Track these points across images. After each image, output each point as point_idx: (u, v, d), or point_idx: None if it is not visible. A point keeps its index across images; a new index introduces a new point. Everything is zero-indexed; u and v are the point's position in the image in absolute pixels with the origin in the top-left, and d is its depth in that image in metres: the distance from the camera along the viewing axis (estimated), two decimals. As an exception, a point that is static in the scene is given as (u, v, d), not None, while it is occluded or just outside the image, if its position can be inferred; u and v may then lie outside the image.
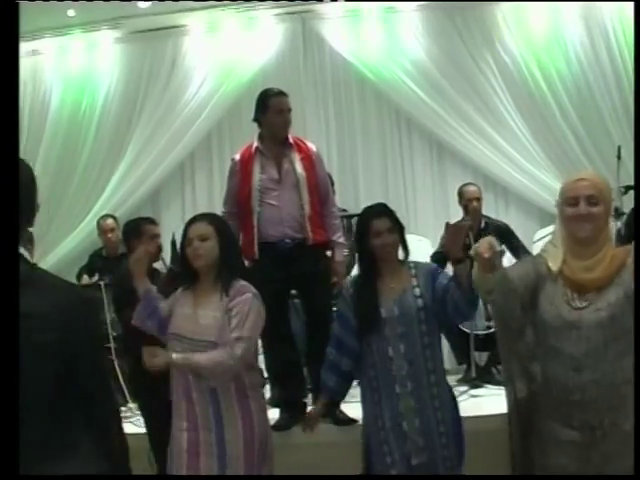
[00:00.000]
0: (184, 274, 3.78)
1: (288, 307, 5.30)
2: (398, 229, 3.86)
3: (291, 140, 5.12)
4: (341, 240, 5.21)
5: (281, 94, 5.17)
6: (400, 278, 3.82)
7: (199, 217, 3.82)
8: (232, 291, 3.61)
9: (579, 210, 3.08)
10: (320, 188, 5.12)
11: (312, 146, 5.23)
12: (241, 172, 5.07)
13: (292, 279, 5.03)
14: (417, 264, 3.91)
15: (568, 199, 3.13)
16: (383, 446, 3.74)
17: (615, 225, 5.71)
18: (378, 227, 3.77)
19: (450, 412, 3.79)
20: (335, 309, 4.15)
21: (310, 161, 5.11)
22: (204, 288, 3.71)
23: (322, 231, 5.10)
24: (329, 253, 5.29)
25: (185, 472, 3.60)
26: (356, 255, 5.45)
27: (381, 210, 3.90)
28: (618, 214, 5.86)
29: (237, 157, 5.17)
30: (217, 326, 3.57)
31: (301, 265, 4.96)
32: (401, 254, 3.90)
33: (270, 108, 5.10)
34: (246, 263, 5.00)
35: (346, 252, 5.38)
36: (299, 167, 5.02)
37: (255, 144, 5.13)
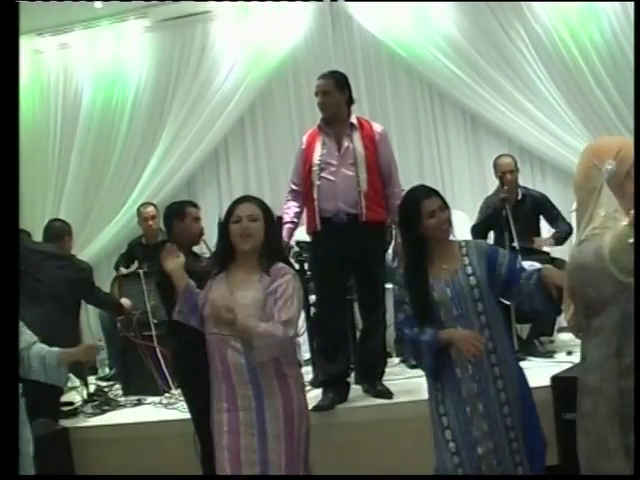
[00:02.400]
0: (224, 254, 3.78)
1: (345, 282, 5.33)
2: (447, 207, 3.74)
3: (354, 120, 5.23)
4: None
5: (320, 78, 5.32)
6: (451, 258, 3.68)
7: (248, 198, 3.83)
8: (273, 271, 3.63)
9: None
10: (382, 167, 5.21)
11: (378, 127, 5.33)
12: (306, 149, 5.27)
13: (347, 254, 5.08)
14: (468, 242, 3.78)
15: (631, 166, 2.64)
16: (448, 442, 3.59)
17: None
18: (431, 206, 3.64)
19: (516, 392, 3.60)
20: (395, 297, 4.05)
21: (372, 141, 5.19)
22: (242, 270, 3.71)
23: (380, 209, 5.18)
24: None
25: (226, 452, 3.62)
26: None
27: (429, 189, 3.77)
28: None
29: (305, 137, 5.38)
30: (258, 306, 3.58)
31: (355, 241, 5.03)
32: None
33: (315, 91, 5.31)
34: (307, 237, 5.37)
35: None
36: (359, 146, 5.13)
37: (319, 124, 5.31)
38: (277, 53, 8.05)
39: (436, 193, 3.74)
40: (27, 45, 8.19)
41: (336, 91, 5.20)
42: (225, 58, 8.16)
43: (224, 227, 3.76)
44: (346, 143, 5.15)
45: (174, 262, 3.87)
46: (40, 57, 8.47)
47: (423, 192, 3.73)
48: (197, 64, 8.22)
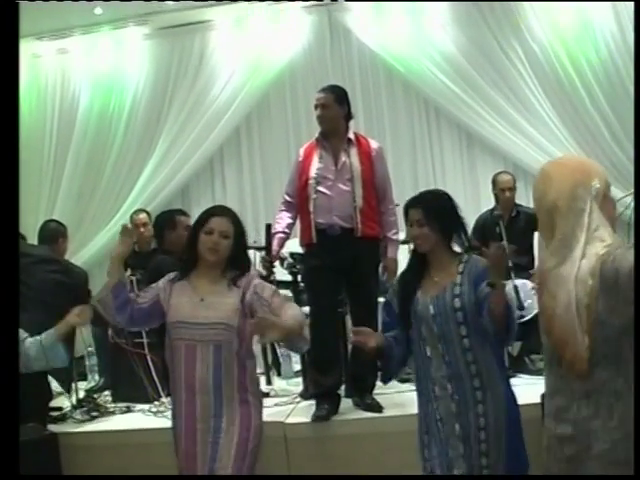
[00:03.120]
0: (190, 261, 3.77)
1: (337, 295, 5.33)
2: (434, 222, 3.56)
3: (351, 136, 5.25)
4: (395, 237, 5.32)
5: (320, 91, 5.34)
6: (445, 273, 3.58)
7: (223, 211, 3.83)
8: (240, 282, 3.68)
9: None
10: (377, 184, 5.23)
11: (374, 144, 5.35)
12: (303, 162, 5.29)
13: (340, 267, 5.09)
14: (469, 260, 3.58)
15: (608, 187, 2.56)
16: (424, 451, 3.61)
17: None
18: (412, 217, 3.59)
19: (499, 419, 3.47)
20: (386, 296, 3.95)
21: (368, 157, 5.21)
22: (207, 279, 3.73)
23: (374, 225, 5.20)
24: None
25: (183, 457, 3.67)
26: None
27: (415, 200, 3.69)
28: None
29: (302, 149, 5.39)
30: (234, 310, 3.62)
31: (348, 254, 5.04)
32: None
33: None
34: (301, 249, 5.39)
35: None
36: (356, 161, 5.15)
37: (317, 137, 5.33)
38: (275, 64, 8.09)
39: (421, 206, 3.62)
40: (26, 49, 8.17)
41: (336, 105, 5.22)
42: (223, 68, 8.19)
43: (194, 234, 3.76)
44: (343, 158, 5.16)
45: (125, 247, 3.90)
46: (38, 61, 8.48)
47: (410, 201, 3.69)
48: (195, 73, 8.25)
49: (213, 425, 3.60)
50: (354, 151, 5.18)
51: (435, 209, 3.62)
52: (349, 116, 5.28)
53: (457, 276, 3.55)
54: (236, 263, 3.73)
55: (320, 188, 5.14)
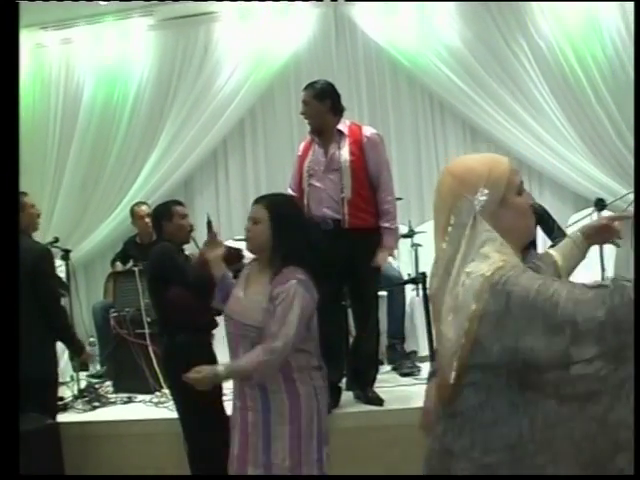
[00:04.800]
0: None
1: (338, 288, 5.32)
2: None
3: (343, 127, 5.28)
4: (389, 225, 5.28)
5: (303, 89, 5.45)
6: None
7: (260, 198, 3.80)
8: (279, 277, 3.54)
9: (529, 200, 2.24)
10: (370, 173, 5.24)
11: (367, 131, 5.36)
12: (300, 157, 5.42)
13: (337, 261, 5.06)
14: None
15: (519, 186, 2.19)
16: None
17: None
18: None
19: None
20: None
21: (359, 146, 5.23)
22: (257, 271, 3.71)
23: (365, 215, 5.20)
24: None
25: (236, 448, 3.63)
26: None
27: None
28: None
29: (301, 144, 5.52)
30: (260, 311, 3.53)
31: (339, 247, 5.03)
32: None
33: None
34: None
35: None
36: (345, 152, 5.19)
37: (309, 132, 5.43)
38: (280, 57, 8.06)
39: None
40: (30, 38, 8.18)
41: (315, 101, 5.27)
42: (228, 60, 8.16)
43: None
44: (332, 150, 5.22)
45: (215, 252, 3.90)
46: (42, 51, 8.46)
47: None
48: (199, 64, 8.21)
49: (262, 418, 3.56)
50: (345, 142, 5.21)
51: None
52: (336, 109, 5.29)
53: None
54: (281, 252, 3.60)
55: (312, 181, 5.24)
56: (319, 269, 3.65)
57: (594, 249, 2.81)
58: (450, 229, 2.12)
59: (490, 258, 2.02)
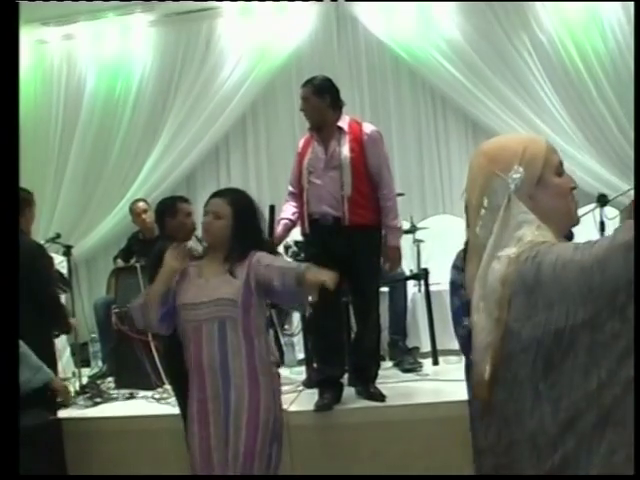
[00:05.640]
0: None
1: (339, 285, 5.31)
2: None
3: (343, 123, 5.24)
4: (394, 224, 5.26)
5: (302, 85, 5.41)
6: None
7: (222, 192, 3.86)
8: (246, 260, 3.66)
9: (570, 183, 2.04)
10: (370, 170, 5.20)
11: (368, 128, 5.31)
12: (300, 153, 5.37)
13: (335, 257, 5.06)
14: None
15: (558, 166, 2.01)
16: None
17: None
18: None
19: None
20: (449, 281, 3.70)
21: (360, 143, 5.19)
22: (213, 262, 3.73)
23: (365, 212, 5.16)
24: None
25: (196, 438, 3.64)
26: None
27: None
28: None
29: (301, 141, 5.47)
30: (238, 287, 3.60)
31: (341, 244, 5.06)
32: None
33: None
34: (300, 237, 5.52)
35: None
36: (345, 149, 5.14)
37: (308, 129, 5.39)
38: (281, 52, 8.06)
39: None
40: (31, 34, 8.18)
41: (314, 97, 5.23)
42: (229, 56, 8.16)
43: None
44: (332, 147, 5.18)
45: (179, 263, 3.79)
46: (44, 47, 8.46)
47: None
48: (201, 61, 8.22)
49: (223, 405, 3.58)
50: (345, 139, 5.18)
51: None
52: (336, 104, 5.27)
53: None
54: (240, 247, 3.69)
55: (312, 178, 5.20)
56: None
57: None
58: (483, 212, 1.99)
59: (522, 240, 1.89)
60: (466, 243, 2.29)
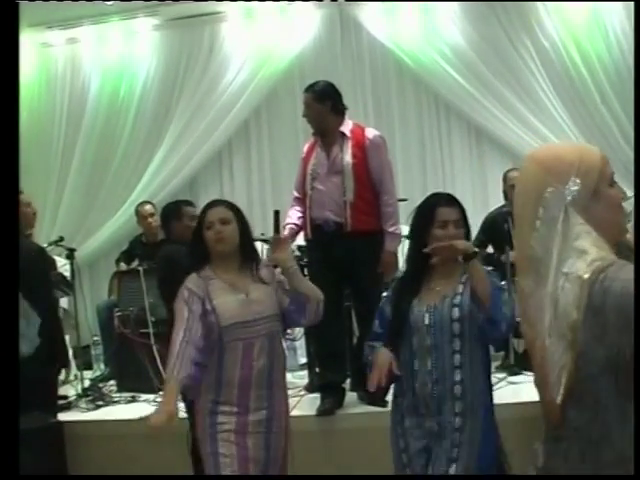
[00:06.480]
0: (200, 258, 3.71)
1: (340, 289, 5.32)
2: (465, 225, 3.40)
3: (345, 129, 5.25)
4: (393, 229, 5.25)
5: (304, 91, 5.43)
6: (447, 281, 3.36)
7: (217, 202, 3.86)
8: (263, 272, 3.72)
9: (621, 194, 2.07)
10: (372, 175, 5.21)
11: (370, 133, 5.32)
12: (304, 159, 5.40)
13: (337, 263, 5.12)
14: None
15: (611, 177, 2.00)
16: (406, 470, 3.39)
17: None
18: (445, 216, 3.32)
19: (471, 454, 3.22)
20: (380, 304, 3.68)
21: (362, 148, 5.20)
22: (234, 274, 3.68)
23: (367, 218, 5.18)
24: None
25: (235, 451, 3.56)
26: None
27: (452, 198, 3.43)
28: None
29: (305, 146, 5.51)
30: (275, 299, 3.67)
31: (343, 250, 5.07)
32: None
33: None
34: (303, 242, 5.53)
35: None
36: (348, 155, 5.16)
37: (312, 134, 5.43)
38: (285, 57, 8.07)
39: (458, 205, 3.42)
40: (36, 37, 8.21)
41: (315, 103, 5.26)
42: (233, 60, 8.17)
43: (199, 234, 3.71)
44: (335, 152, 5.20)
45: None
46: (48, 50, 8.48)
47: (444, 199, 3.44)
48: (205, 65, 8.23)
49: (266, 416, 3.59)
50: (348, 144, 5.19)
51: (465, 214, 3.45)
52: (337, 110, 5.27)
53: (459, 285, 3.34)
54: (249, 250, 3.74)
55: (315, 184, 5.22)
56: None
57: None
58: (539, 223, 1.96)
59: (587, 253, 1.87)
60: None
